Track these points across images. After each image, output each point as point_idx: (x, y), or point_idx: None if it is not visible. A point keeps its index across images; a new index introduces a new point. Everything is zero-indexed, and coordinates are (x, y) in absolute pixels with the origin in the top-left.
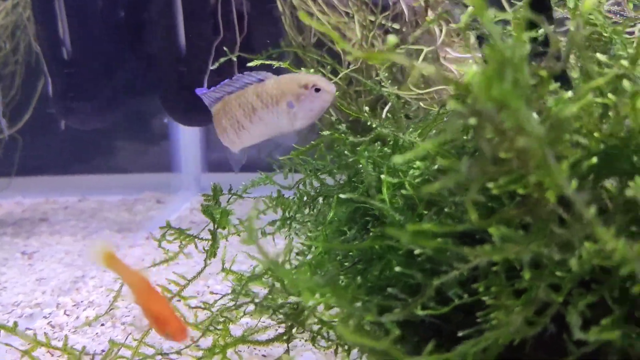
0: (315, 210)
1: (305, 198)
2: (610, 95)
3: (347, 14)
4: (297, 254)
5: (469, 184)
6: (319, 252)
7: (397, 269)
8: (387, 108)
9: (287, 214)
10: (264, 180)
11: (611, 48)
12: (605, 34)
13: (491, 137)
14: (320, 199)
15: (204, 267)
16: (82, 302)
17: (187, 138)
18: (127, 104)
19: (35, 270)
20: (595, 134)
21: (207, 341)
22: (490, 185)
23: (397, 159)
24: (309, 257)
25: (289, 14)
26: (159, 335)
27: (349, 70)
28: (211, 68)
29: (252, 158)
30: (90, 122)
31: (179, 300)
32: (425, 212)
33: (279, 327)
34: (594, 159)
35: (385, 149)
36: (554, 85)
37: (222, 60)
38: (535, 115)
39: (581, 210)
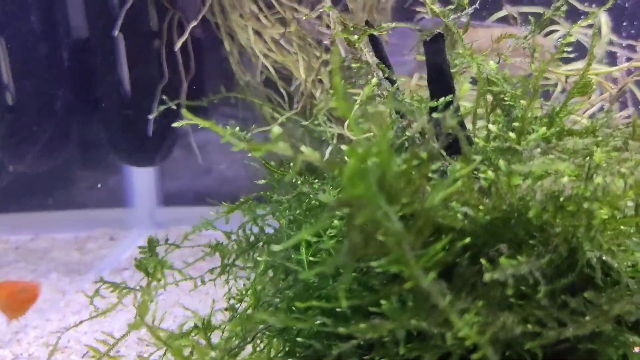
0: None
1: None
2: (489, 172)
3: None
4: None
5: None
6: (249, 305)
7: (298, 338)
8: (328, 150)
9: (225, 260)
10: (205, 226)
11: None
12: (506, 99)
13: (360, 225)
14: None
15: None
16: (21, 354)
17: (140, 172)
18: (74, 146)
19: None
20: (481, 207)
21: None
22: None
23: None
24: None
25: (237, 52)
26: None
27: (293, 112)
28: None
29: (210, 189)
30: (37, 166)
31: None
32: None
33: None
34: (467, 239)
35: (313, 202)
36: (436, 165)
37: (170, 103)
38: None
39: (436, 300)
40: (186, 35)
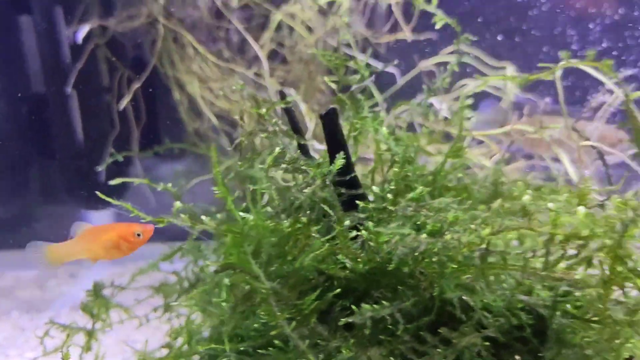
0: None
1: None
2: (363, 231)
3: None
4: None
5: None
6: (184, 342)
7: None
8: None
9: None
10: (151, 268)
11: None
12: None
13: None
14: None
15: None
16: None
17: (97, 214)
18: (36, 192)
19: None
20: (359, 259)
21: None
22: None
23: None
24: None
25: (186, 101)
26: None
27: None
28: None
29: (164, 227)
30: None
31: None
32: None
33: None
34: (338, 290)
35: None
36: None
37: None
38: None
39: (297, 344)
40: (130, 94)
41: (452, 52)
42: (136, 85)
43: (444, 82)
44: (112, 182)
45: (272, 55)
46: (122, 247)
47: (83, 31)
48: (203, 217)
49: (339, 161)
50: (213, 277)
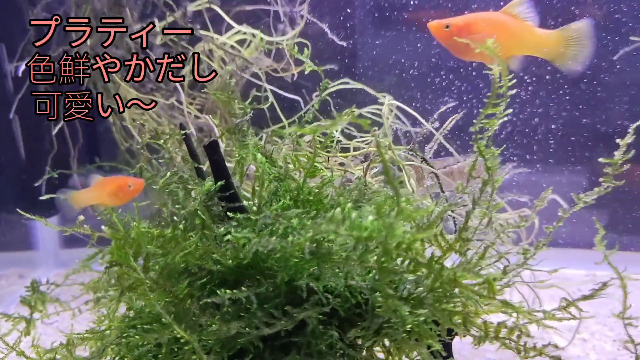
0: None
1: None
2: (229, 235)
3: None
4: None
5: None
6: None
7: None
8: None
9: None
10: (82, 268)
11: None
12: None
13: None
14: None
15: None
16: None
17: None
18: None
19: None
20: (227, 256)
21: None
22: None
23: None
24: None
25: (119, 122)
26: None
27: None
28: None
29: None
30: None
31: None
32: None
33: None
34: (205, 279)
35: None
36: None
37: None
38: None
39: (165, 318)
40: (60, 124)
41: (340, 83)
42: (61, 121)
43: (308, 116)
44: (42, 198)
45: (193, 86)
46: (119, 196)
47: (23, 66)
48: (103, 227)
49: (218, 182)
50: (105, 273)
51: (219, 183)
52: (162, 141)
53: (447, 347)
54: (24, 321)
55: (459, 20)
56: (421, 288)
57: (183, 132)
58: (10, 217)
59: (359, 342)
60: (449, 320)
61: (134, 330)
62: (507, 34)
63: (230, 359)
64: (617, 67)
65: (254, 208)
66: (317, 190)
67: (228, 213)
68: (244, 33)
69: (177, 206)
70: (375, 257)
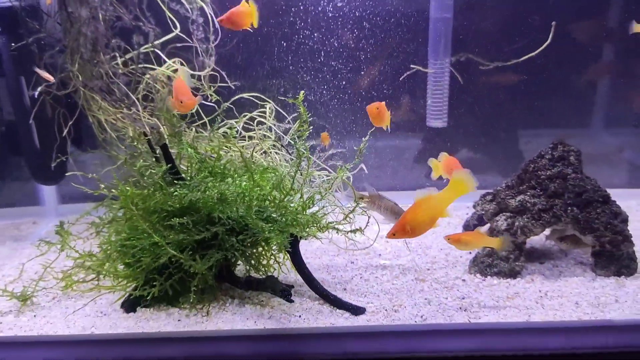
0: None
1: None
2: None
3: None
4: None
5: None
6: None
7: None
8: None
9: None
10: (83, 215)
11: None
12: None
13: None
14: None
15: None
16: None
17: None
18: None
19: None
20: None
21: None
22: None
23: None
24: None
25: (97, 122)
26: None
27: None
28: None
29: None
30: None
31: None
32: None
33: None
34: (165, 214)
35: None
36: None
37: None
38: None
39: (146, 229)
40: (65, 124)
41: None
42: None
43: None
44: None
45: (145, 98)
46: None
47: (37, 90)
48: (102, 185)
49: (168, 164)
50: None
51: (169, 165)
52: (130, 138)
53: (294, 244)
54: (60, 244)
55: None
56: (275, 215)
57: (146, 137)
58: (26, 184)
59: (247, 243)
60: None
61: (129, 240)
62: None
63: (180, 252)
64: None
65: (188, 177)
66: (222, 166)
67: (174, 180)
68: (175, 64)
69: (146, 178)
70: (247, 200)
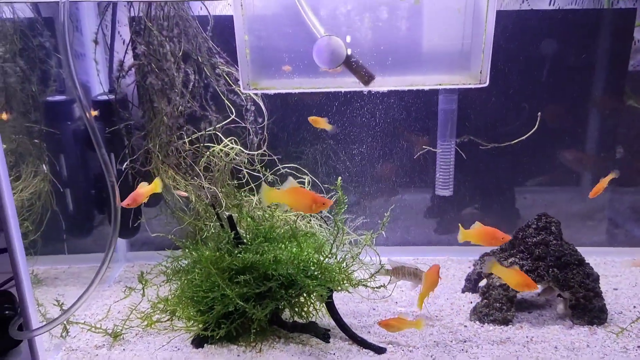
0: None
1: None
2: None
3: None
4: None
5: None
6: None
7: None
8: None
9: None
10: (157, 266)
11: None
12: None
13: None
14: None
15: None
16: None
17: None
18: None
19: None
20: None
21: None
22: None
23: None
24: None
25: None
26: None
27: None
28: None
29: (151, 240)
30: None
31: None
32: None
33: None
34: (232, 271)
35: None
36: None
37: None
38: None
39: (221, 285)
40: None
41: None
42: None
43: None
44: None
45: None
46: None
47: (124, 165)
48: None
49: (232, 231)
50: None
51: (233, 232)
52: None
53: (329, 295)
54: (141, 289)
55: None
56: (317, 272)
57: (214, 208)
58: (104, 236)
59: (293, 294)
60: (328, 284)
61: (204, 292)
62: None
63: (244, 302)
64: None
65: (248, 242)
66: (274, 232)
67: (237, 244)
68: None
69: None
70: (296, 262)
